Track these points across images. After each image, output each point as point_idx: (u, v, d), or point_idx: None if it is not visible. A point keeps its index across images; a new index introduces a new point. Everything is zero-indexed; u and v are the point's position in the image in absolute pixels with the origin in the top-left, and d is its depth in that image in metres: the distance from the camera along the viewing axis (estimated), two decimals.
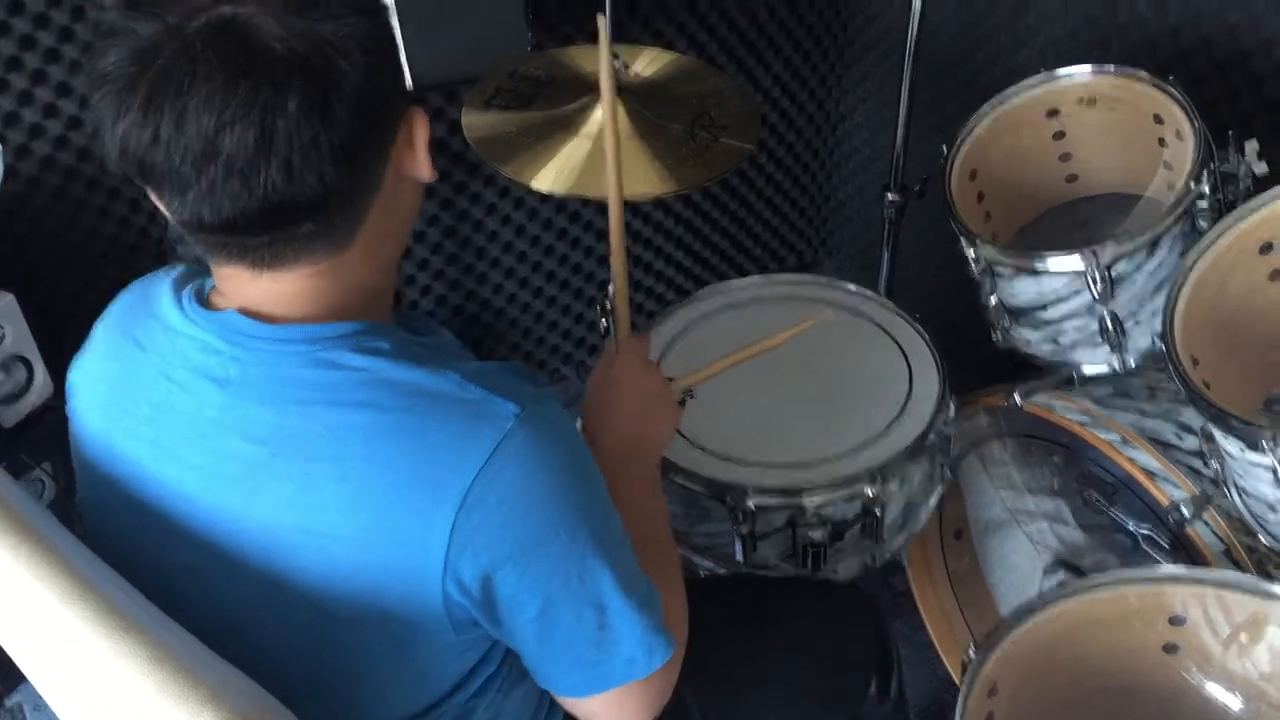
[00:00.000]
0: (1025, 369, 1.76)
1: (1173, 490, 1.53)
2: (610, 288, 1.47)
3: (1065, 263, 1.54)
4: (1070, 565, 1.79)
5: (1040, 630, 1.34)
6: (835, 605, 1.49)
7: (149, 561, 1.02)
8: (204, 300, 1.02)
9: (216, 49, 0.86)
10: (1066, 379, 1.73)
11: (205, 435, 0.98)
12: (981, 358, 1.79)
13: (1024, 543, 1.86)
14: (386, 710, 1.07)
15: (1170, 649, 1.39)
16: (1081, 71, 1.67)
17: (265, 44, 0.87)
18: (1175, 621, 1.37)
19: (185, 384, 0.99)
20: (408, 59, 1.85)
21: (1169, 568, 1.37)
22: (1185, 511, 1.49)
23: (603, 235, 2.43)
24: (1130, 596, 1.36)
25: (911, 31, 1.83)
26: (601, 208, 1.91)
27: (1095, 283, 1.54)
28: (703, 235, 2.73)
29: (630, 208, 2.57)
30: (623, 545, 1.07)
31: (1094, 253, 1.52)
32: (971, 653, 1.30)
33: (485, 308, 2.52)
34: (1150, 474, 1.55)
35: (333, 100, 0.88)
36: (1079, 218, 1.85)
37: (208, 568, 0.99)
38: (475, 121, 1.74)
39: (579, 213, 2.50)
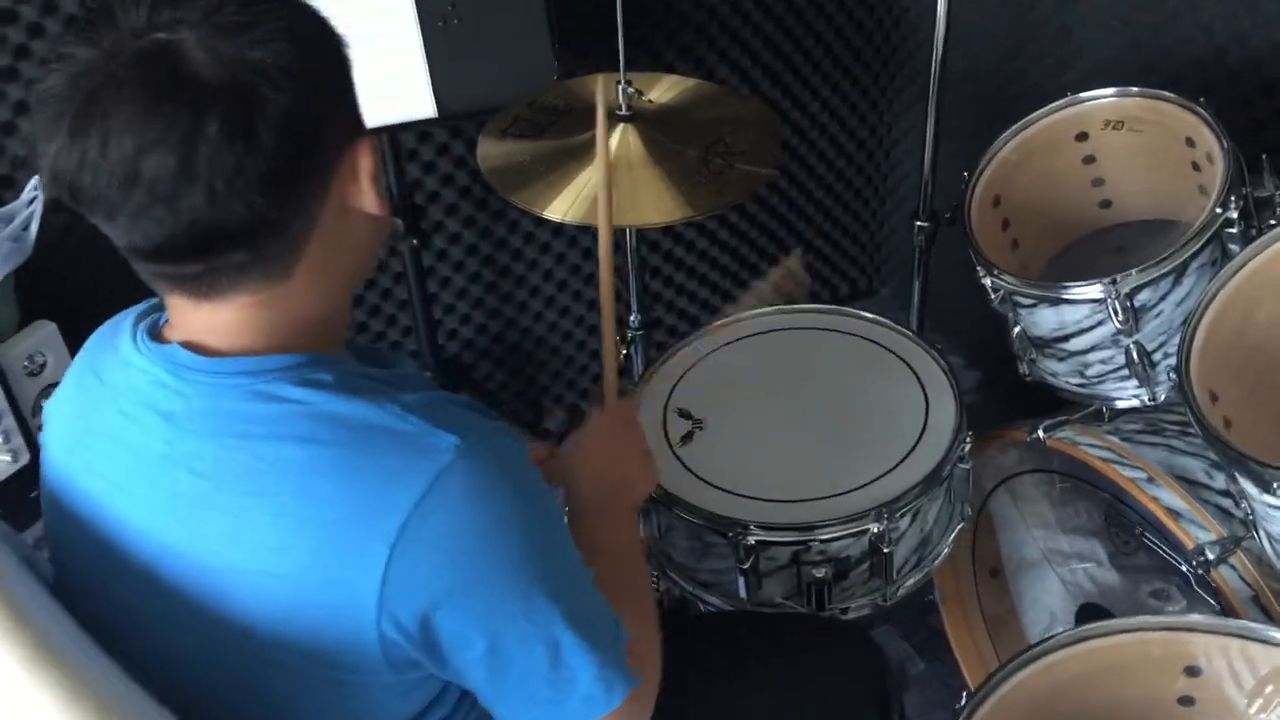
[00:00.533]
0: (1065, 402, 1.69)
1: (1198, 532, 1.45)
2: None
3: (1084, 291, 1.48)
4: (1102, 610, 1.71)
5: (1041, 678, 1.27)
6: (834, 644, 1.45)
7: (103, 595, 1.02)
8: (156, 333, 1.02)
9: (141, 74, 0.86)
10: (1096, 413, 1.66)
11: (154, 469, 0.97)
12: (1025, 388, 1.72)
13: (1056, 585, 1.79)
14: None
15: (1186, 702, 1.31)
16: (1106, 94, 1.60)
17: (190, 70, 0.86)
18: (1192, 672, 1.30)
19: (136, 418, 0.98)
20: (434, 88, 1.86)
21: (1188, 616, 1.29)
22: (1209, 555, 1.41)
23: (643, 264, 2.39)
24: (1143, 644, 1.28)
25: (936, 55, 1.79)
26: (639, 236, 1.89)
27: (1117, 313, 1.47)
28: (750, 264, 2.69)
29: (673, 234, 2.56)
30: (577, 580, 1.04)
31: (1113, 281, 1.45)
32: (963, 701, 1.24)
33: (526, 335, 2.52)
34: (1175, 514, 1.47)
35: (257, 126, 0.86)
36: (1114, 245, 1.77)
37: (151, 604, 0.98)
38: (490, 151, 1.75)
39: (618, 242, 2.47)
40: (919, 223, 1.92)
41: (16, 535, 1.15)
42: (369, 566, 0.92)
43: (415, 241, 2.09)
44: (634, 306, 1.92)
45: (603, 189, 1.40)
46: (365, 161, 0.97)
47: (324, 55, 0.94)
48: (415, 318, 2.21)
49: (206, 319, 0.97)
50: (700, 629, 1.54)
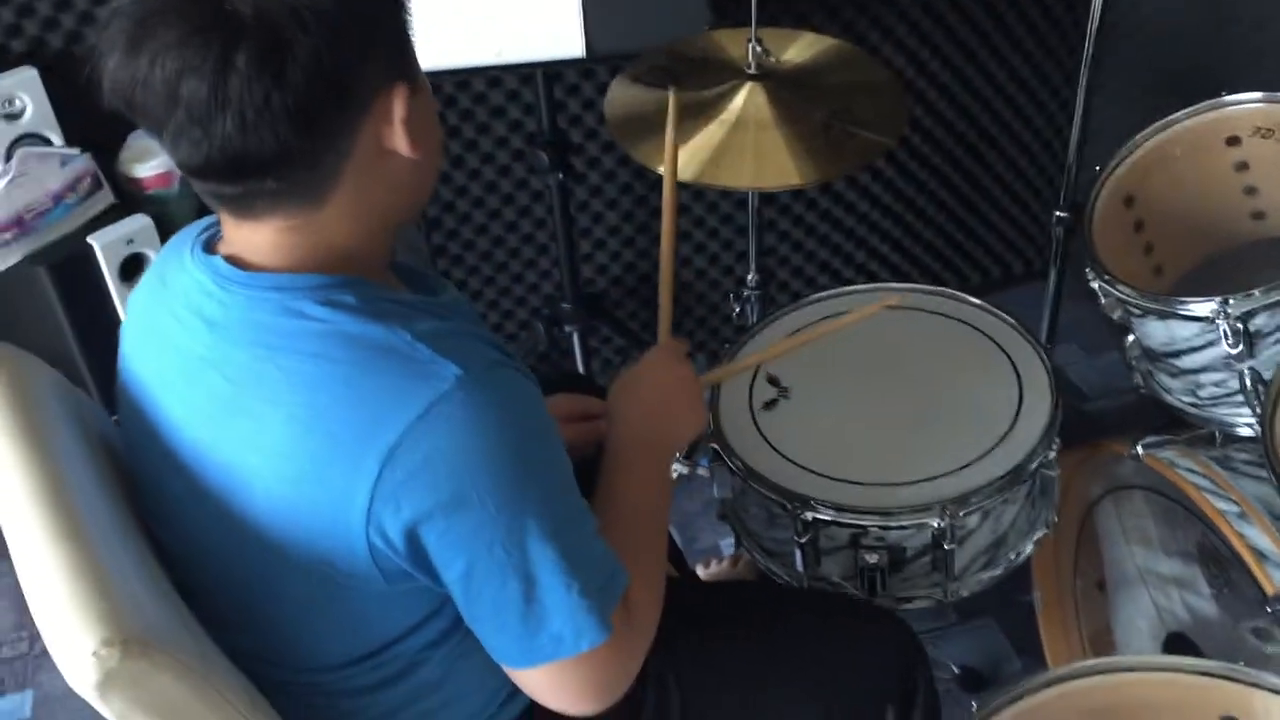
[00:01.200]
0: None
1: None
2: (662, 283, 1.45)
3: (1193, 309, 1.39)
4: (1189, 643, 1.62)
5: (1061, 702, 1.24)
6: (864, 627, 1.43)
7: (156, 481, 1.11)
8: (211, 246, 1.10)
9: (183, 7, 0.93)
10: (1208, 436, 1.56)
11: (194, 370, 1.05)
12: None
13: (1149, 608, 1.70)
14: (329, 650, 1.12)
15: None
16: (1254, 98, 1.49)
17: (230, 5, 0.92)
18: None
19: (184, 320, 1.07)
20: (585, 28, 1.88)
21: (1229, 664, 1.22)
22: None
23: (742, 230, 2.37)
24: (1175, 687, 1.22)
25: (1091, 24, 1.67)
26: (739, 200, 1.88)
27: (1227, 335, 1.38)
28: (915, 232, 2.62)
29: (843, 203, 2.52)
30: (570, 523, 1.07)
31: (1225, 301, 1.36)
32: (974, 707, 1.22)
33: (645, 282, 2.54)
34: (1261, 556, 1.38)
35: (286, 64, 0.92)
36: (1268, 261, 1.65)
37: (189, 494, 1.07)
38: (618, 96, 1.76)
39: (716, 203, 2.45)
40: (1058, 213, 1.82)
41: (95, 406, 1.26)
42: (361, 478, 0.98)
43: (561, 176, 2.12)
44: (752, 265, 1.91)
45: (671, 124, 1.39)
46: (399, 107, 1.01)
47: (361, 3, 0.97)
48: (559, 252, 2.25)
49: (247, 236, 1.04)
50: (721, 594, 1.55)
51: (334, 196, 1.02)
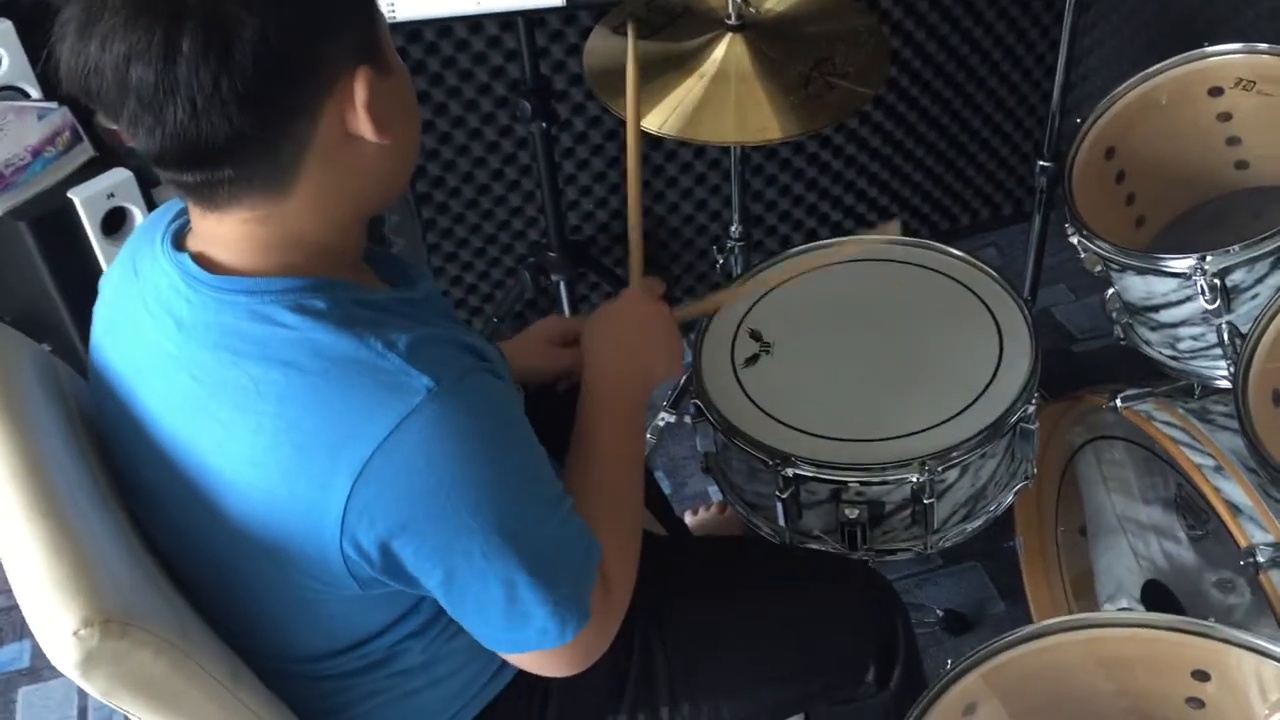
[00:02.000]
0: None
1: (1256, 531, 1.37)
2: (629, 229, 1.45)
3: (1171, 264, 1.39)
4: (1165, 591, 1.64)
5: (1038, 658, 1.25)
6: (844, 587, 1.45)
7: (133, 467, 1.11)
8: (180, 239, 1.07)
9: None
10: (1186, 388, 1.57)
11: (165, 366, 1.04)
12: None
13: (1128, 555, 1.72)
14: (309, 643, 1.13)
15: (1195, 704, 1.27)
16: (1234, 48, 1.47)
17: None
18: (1201, 677, 1.25)
19: (155, 315, 1.05)
20: None
21: (1202, 621, 1.24)
22: (1260, 557, 1.34)
23: (728, 175, 2.35)
24: (1148, 642, 1.24)
25: None
26: (725, 147, 1.85)
27: (1204, 291, 1.38)
28: (903, 174, 2.61)
29: (830, 146, 2.50)
30: (543, 523, 1.08)
31: (1202, 258, 1.36)
32: (949, 664, 1.24)
33: (660, 225, 2.53)
34: (1235, 509, 1.39)
35: (233, 47, 0.89)
36: (1251, 210, 1.65)
37: (166, 485, 1.06)
38: (597, 47, 1.74)
39: (703, 149, 2.44)
40: (1041, 163, 1.81)
41: (78, 380, 1.26)
42: (333, 493, 0.97)
43: (545, 125, 2.11)
44: (735, 216, 1.90)
45: (631, 103, 1.38)
46: (361, 90, 0.97)
47: None
48: (544, 202, 2.24)
49: (214, 229, 1.02)
50: (700, 551, 1.56)
51: (299, 185, 0.99)
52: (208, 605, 1.13)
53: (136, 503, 1.13)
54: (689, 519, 2.18)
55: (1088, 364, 2.44)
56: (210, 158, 0.95)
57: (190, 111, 0.91)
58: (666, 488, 2.34)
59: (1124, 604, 1.69)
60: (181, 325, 1.02)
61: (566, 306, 2.38)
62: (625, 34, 1.74)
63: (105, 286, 1.16)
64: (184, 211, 1.09)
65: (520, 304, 2.48)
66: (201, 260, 1.03)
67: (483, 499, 1.01)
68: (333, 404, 0.97)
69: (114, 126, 1.01)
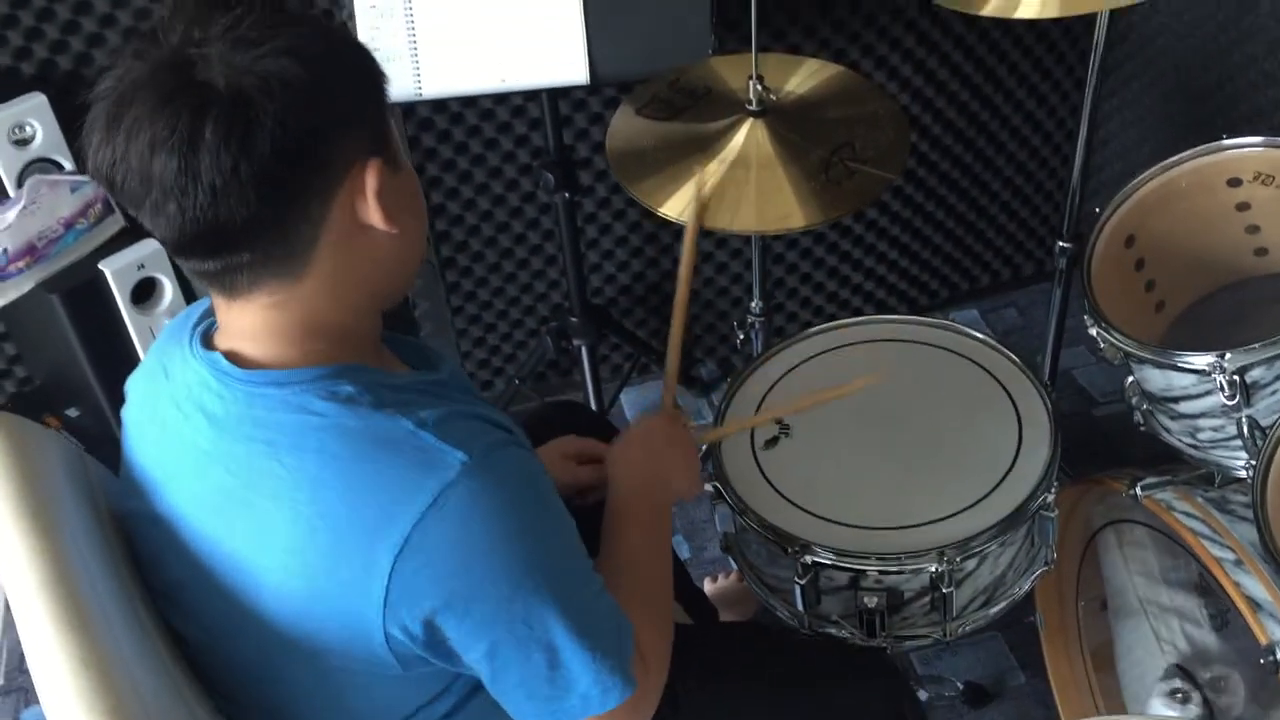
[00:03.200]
0: None
1: (1276, 629, 1.37)
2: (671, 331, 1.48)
3: (1190, 361, 1.39)
4: (1189, 675, 1.64)
5: None
6: (855, 674, 1.45)
7: (161, 566, 1.13)
8: (209, 338, 1.10)
9: (156, 80, 0.94)
10: (1207, 475, 1.57)
11: (198, 464, 1.07)
12: None
13: (1150, 639, 1.72)
14: None
15: None
16: (1254, 142, 1.48)
17: (198, 78, 0.94)
18: None
19: (187, 414, 1.08)
20: (590, 53, 1.88)
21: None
22: (1279, 656, 1.33)
23: (749, 262, 2.38)
24: None
25: (1095, 54, 1.66)
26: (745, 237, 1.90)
27: (1224, 388, 1.38)
28: (924, 237, 2.62)
29: (842, 228, 2.51)
30: (580, 588, 1.10)
31: (1221, 355, 1.36)
32: None
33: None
34: (1255, 605, 1.39)
35: (254, 133, 0.93)
36: (1273, 294, 1.65)
37: (192, 584, 1.09)
38: (620, 128, 1.76)
39: (725, 239, 2.47)
40: (1060, 243, 1.82)
41: (106, 474, 1.28)
42: (374, 574, 1.00)
43: (568, 195, 2.13)
44: (756, 294, 1.92)
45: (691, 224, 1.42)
46: (372, 179, 1.01)
47: (332, 75, 0.99)
48: (565, 268, 2.26)
49: (238, 320, 1.05)
50: (714, 636, 1.57)
51: (313, 270, 1.02)
52: (237, 703, 1.14)
53: (165, 603, 1.14)
54: (708, 586, 2.18)
55: (1109, 429, 2.44)
56: (229, 242, 0.98)
57: (210, 196, 0.94)
58: (685, 552, 2.34)
59: (1178, 684, 1.65)
60: (214, 421, 1.05)
61: (588, 369, 2.40)
62: (649, 116, 1.76)
63: (132, 390, 1.19)
64: (208, 314, 1.13)
65: (542, 365, 2.50)
66: (232, 357, 1.06)
67: (523, 567, 1.03)
68: (368, 485, 1.00)
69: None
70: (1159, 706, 1.55)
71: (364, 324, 1.10)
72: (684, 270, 1.44)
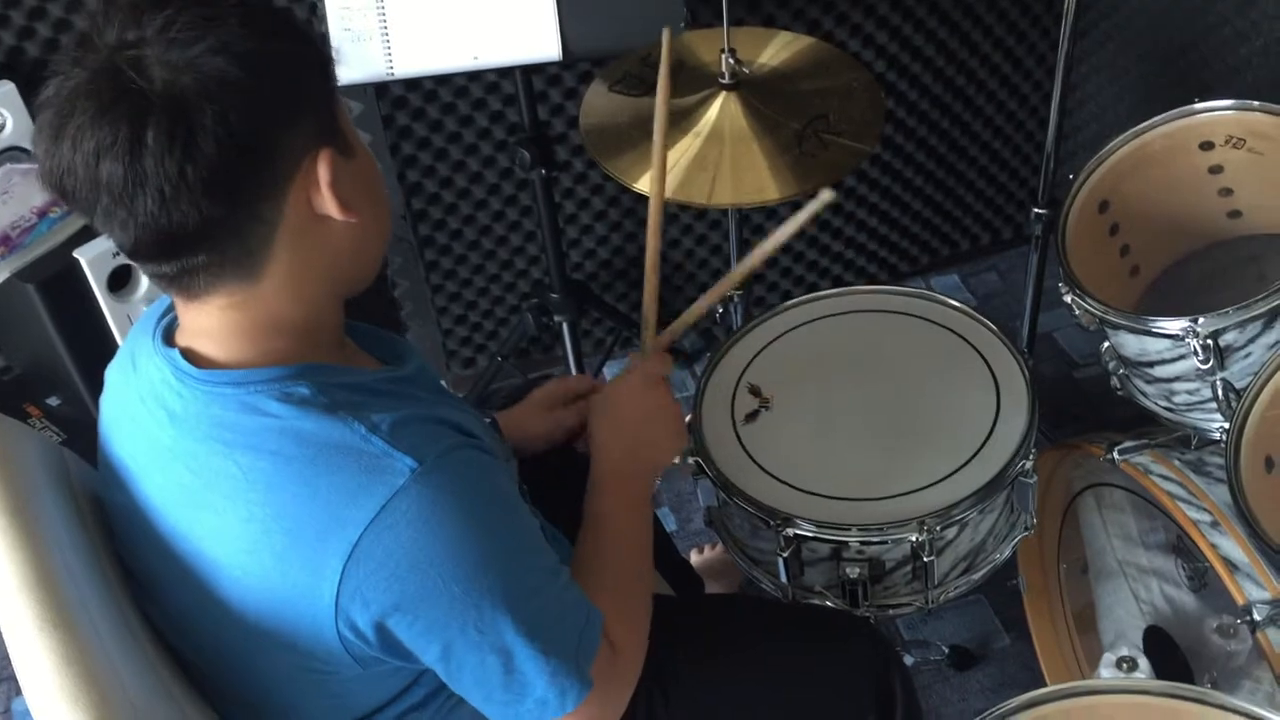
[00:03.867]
0: None
1: (1252, 589, 1.39)
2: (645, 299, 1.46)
3: (1164, 326, 1.40)
4: (1165, 636, 1.65)
5: None
6: (841, 641, 1.46)
7: (137, 555, 1.13)
8: (170, 335, 1.10)
9: (95, 87, 0.93)
10: (1184, 438, 1.58)
11: (162, 459, 1.07)
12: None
13: (1130, 600, 1.74)
14: None
15: None
16: (1224, 105, 1.48)
17: (135, 83, 0.92)
18: None
19: (151, 409, 1.08)
20: (561, 30, 1.87)
21: (1148, 680, 1.25)
22: (1256, 615, 1.35)
23: (727, 233, 2.37)
24: (1146, 709, 1.25)
25: (1066, 24, 1.65)
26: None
27: (1197, 352, 1.39)
28: (891, 220, 2.62)
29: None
30: (536, 590, 1.10)
31: (1194, 320, 1.37)
32: None
33: (662, 260, 2.53)
34: (1232, 566, 1.41)
35: (196, 135, 0.92)
36: (1247, 254, 1.66)
37: (168, 574, 1.09)
38: (593, 105, 1.76)
39: (703, 211, 2.46)
40: (1036, 210, 1.82)
41: (86, 469, 1.28)
42: (325, 577, 1.00)
43: (544, 171, 2.12)
44: (733, 266, 1.91)
45: (657, 157, 1.40)
46: (324, 170, 1.00)
47: (271, 68, 0.97)
48: (545, 244, 2.26)
49: (198, 320, 1.05)
50: (700, 610, 1.58)
51: (270, 267, 1.02)
52: (213, 692, 1.15)
53: (142, 592, 1.15)
54: (694, 557, 2.20)
55: (1090, 391, 2.45)
56: (183, 246, 0.98)
57: (160, 201, 0.93)
58: (671, 524, 2.36)
59: (1125, 652, 1.69)
60: (174, 419, 1.05)
61: (569, 344, 2.40)
62: (621, 92, 1.76)
63: (109, 379, 1.19)
64: (172, 307, 1.12)
65: (524, 342, 2.50)
66: (190, 355, 1.06)
67: (472, 573, 1.03)
68: (319, 490, 1.00)
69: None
70: (1105, 675, 1.57)
71: (325, 318, 1.10)
72: (653, 223, 1.42)
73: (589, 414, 1.38)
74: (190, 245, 0.97)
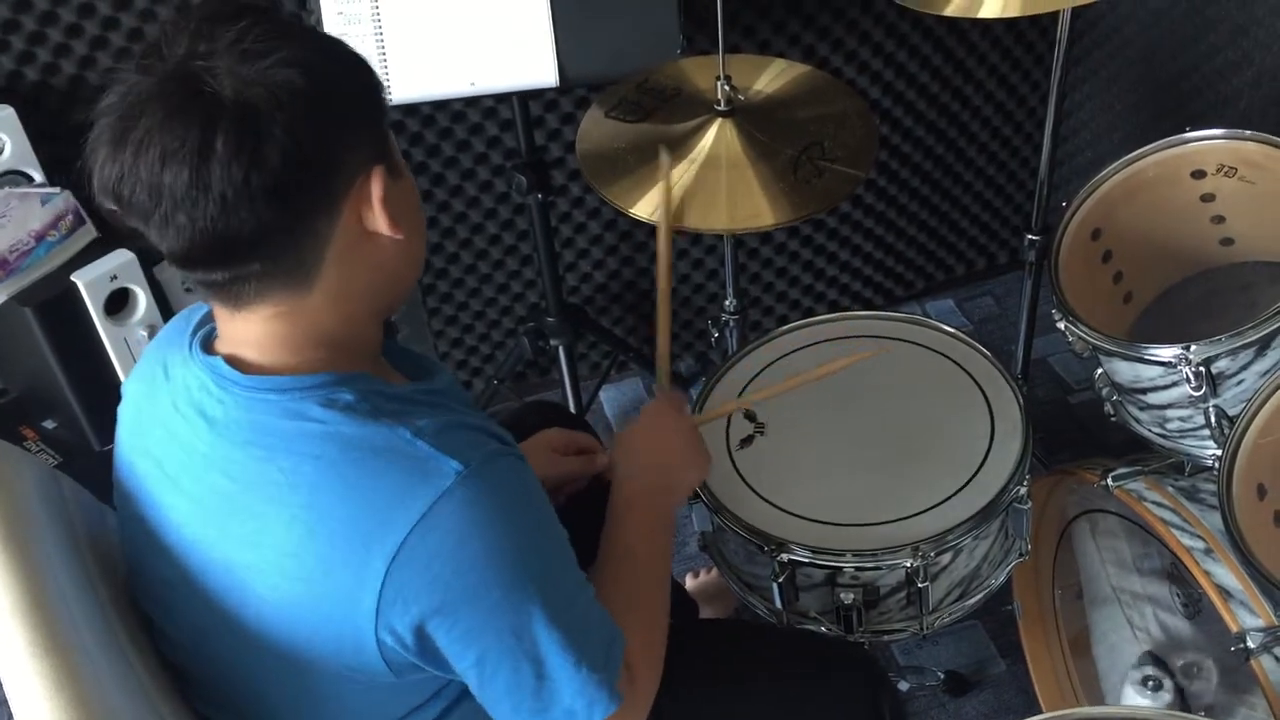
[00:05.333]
0: None
1: (1246, 617, 1.39)
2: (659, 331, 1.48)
3: (1156, 353, 1.41)
4: (1161, 663, 1.65)
5: None
6: (832, 667, 1.46)
7: (151, 569, 1.13)
8: (209, 343, 1.11)
9: (165, 94, 0.95)
10: (1177, 464, 1.58)
11: (196, 466, 1.07)
12: None
13: (1125, 627, 1.74)
14: None
15: None
16: (1216, 134, 1.49)
17: (206, 91, 0.94)
18: None
19: (186, 416, 1.08)
20: (558, 56, 1.88)
21: (1183, 716, 1.25)
22: (1250, 644, 1.35)
23: (739, 244, 2.38)
24: None
25: (1059, 49, 1.67)
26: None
27: (1190, 379, 1.40)
28: (886, 245, 2.63)
29: (815, 222, 2.52)
30: (570, 602, 1.11)
31: (1186, 347, 1.37)
32: None
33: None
34: (1226, 594, 1.41)
35: (264, 144, 0.94)
36: (1239, 282, 1.67)
37: (186, 585, 1.09)
38: (590, 131, 1.77)
39: (699, 235, 2.47)
40: (1030, 235, 1.83)
41: (83, 493, 1.28)
42: (368, 579, 1.01)
43: (541, 196, 2.13)
44: (729, 292, 1.92)
45: (663, 198, 1.41)
46: (378, 186, 1.03)
47: (337, 86, 1.00)
48: (541, 268, 2.27)
49: (241, 330, 1.06)
50: (692, 634, 1.58)
51: (320, 280, 1.03)
52: (225, 704, 1.15)
53: (153, 605, 1.15)
54: (689, 582, 2.20)
55: (1084, 416, 2.46)
56: (238, 253, 0.99)
57: (221, 208, 0.95)
58: None
59: (1150, 671, 1.67)
60: (214, 425, 1.06)
61: (565, 367, 2.40)
62: (618, 118, 1.77)
63: (130, 389, 1.19)
64: (208, 318, 1.13)
65: (520, 365, 2.50)
66: (232, 361, 1.07)
67: (513, 579, 1.04)
68: (364, 492, 1.01)
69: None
70: (1132, 694, 1.57)
71: (365, 334, 1.11)
72: (662, 253, 1.44)
73: (615, 447, 1.39)
74: (245, 253, 0.99)
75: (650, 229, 2.42)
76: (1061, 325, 1.51)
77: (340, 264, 1.04)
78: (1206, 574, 1.43)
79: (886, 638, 1.59)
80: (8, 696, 1.01)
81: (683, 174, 1.66)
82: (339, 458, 1.02)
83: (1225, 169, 1.50)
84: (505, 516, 1.04)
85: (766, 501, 1.57)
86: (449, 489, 1.00)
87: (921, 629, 1.57)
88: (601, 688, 1.10)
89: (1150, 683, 1.56)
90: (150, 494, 1.11)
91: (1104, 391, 1.59)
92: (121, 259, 2.01)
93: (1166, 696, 1.55)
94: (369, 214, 1.03)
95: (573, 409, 2.40)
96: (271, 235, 0.98)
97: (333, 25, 1.84)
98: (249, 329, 1.06)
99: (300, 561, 1.02)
